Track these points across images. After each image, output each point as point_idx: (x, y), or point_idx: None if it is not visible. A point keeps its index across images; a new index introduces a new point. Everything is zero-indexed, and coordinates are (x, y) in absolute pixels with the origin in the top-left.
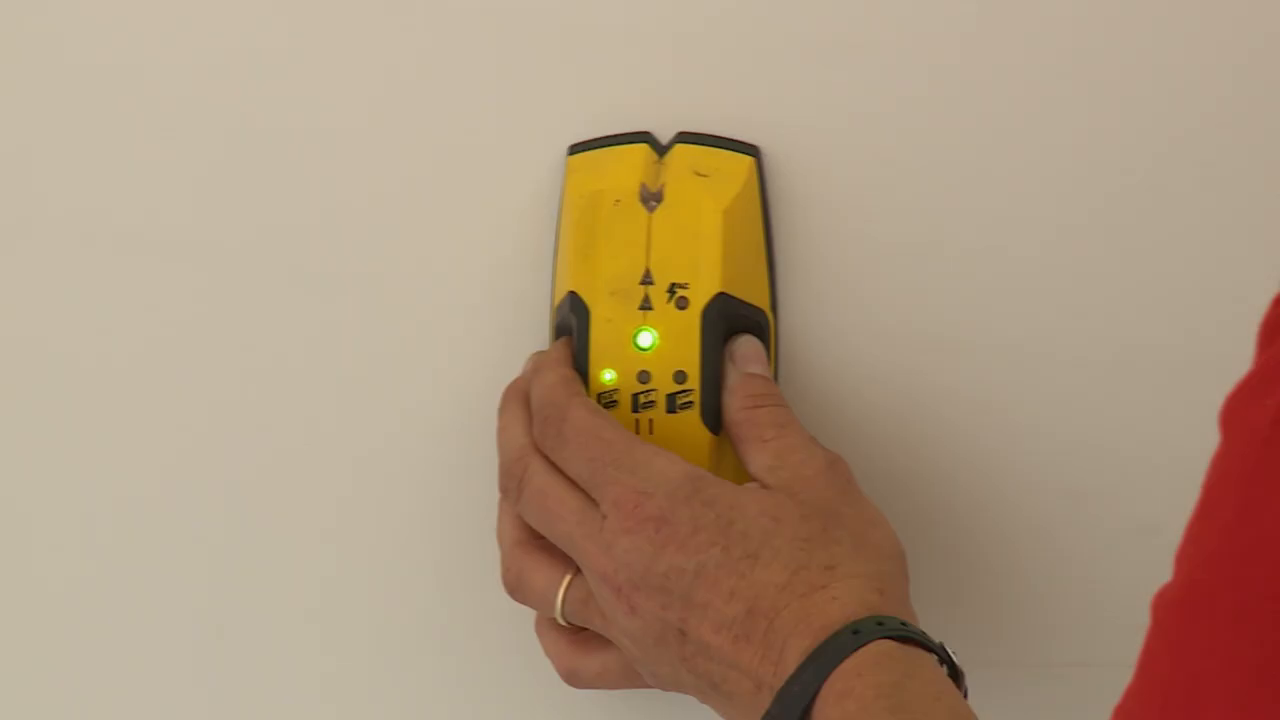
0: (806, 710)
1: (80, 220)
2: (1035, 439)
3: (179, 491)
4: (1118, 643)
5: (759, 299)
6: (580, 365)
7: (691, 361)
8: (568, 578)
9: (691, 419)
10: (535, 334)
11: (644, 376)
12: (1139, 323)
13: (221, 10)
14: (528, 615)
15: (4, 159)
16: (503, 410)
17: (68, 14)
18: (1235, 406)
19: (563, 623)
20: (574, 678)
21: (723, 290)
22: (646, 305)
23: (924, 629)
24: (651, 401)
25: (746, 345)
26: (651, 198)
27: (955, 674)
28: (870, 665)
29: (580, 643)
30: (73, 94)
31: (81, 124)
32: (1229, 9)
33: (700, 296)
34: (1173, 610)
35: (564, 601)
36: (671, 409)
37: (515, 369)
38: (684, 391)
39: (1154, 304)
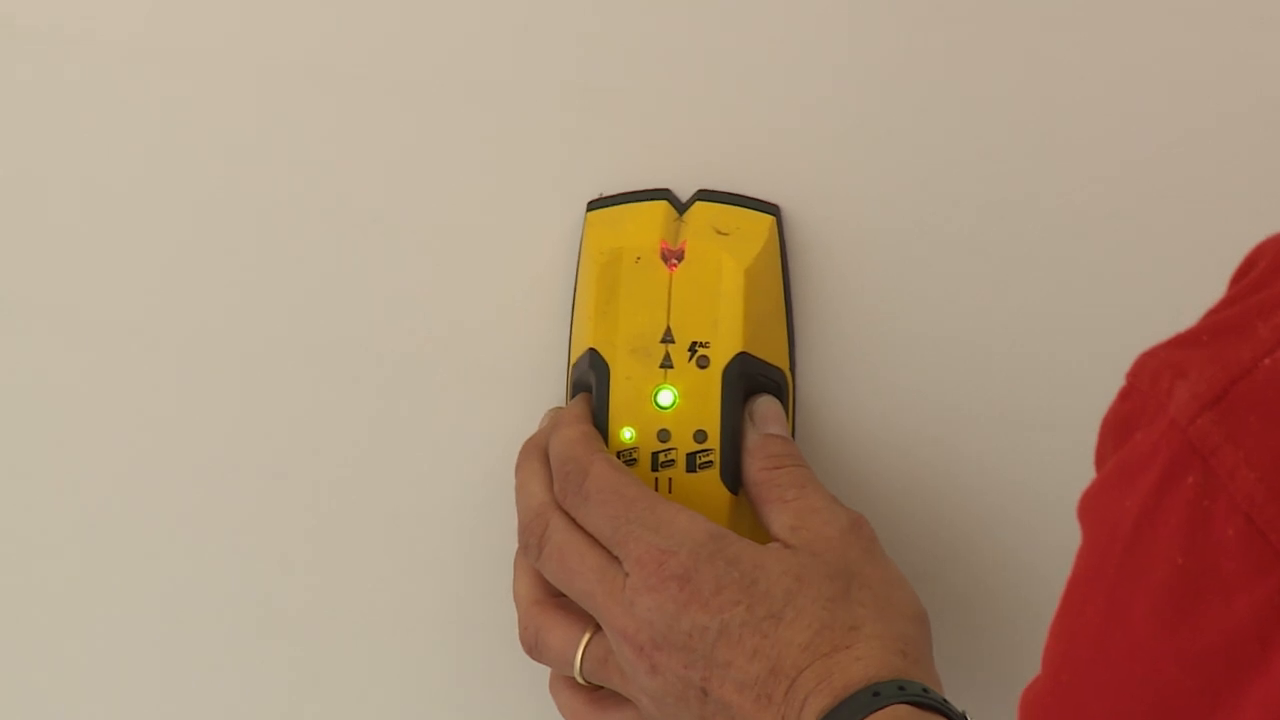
0: None
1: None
2: (1055, 505)
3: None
4: None
5: (778, 359)
6: (599, 423)
7: (711, 421)
8: (587, 636)
9: (711, 478)
10: (552, 390)
11: (664, 435)
12: None
13: (235, 69)
14: (542, 674)
15: None
16: (521, 466)
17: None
18: (1094, 503)
19: (581, 681)
20: None
21: (744, 350)
22: (667, 363)
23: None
24: (671, 460)
25: (766, 405)
26: (672, 255)
27: None
28: None
29: (597, 701)
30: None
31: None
32: None
33: (721, 356)
34: (1039, 711)
35: (583, 660)
36: (691, 468)
37: (532, 425)
38: (704, 451)
39: None
